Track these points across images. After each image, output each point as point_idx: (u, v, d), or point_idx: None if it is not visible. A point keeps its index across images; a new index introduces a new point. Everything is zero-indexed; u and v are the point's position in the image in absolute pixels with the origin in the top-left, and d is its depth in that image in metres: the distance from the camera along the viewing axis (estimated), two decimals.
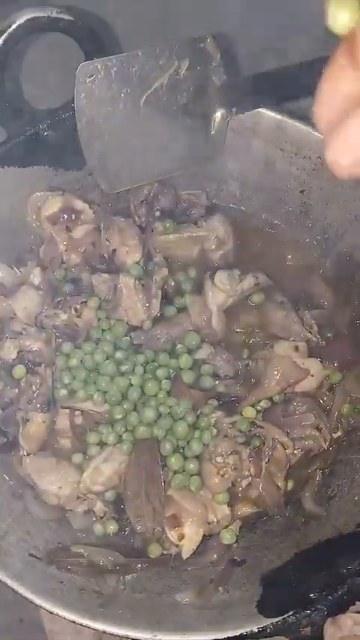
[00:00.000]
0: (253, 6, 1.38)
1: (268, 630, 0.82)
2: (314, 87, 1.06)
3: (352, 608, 0.82)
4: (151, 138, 1.01)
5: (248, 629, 0.82)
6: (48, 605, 0.83)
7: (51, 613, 0.83)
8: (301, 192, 1.10)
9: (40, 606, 0.83)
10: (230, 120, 1.04)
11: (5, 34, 0.93)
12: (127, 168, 1.04)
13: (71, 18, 0.95)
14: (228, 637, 0.82)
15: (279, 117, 1.07)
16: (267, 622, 0.82)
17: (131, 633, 0.83)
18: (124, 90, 0.95)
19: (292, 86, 0.96)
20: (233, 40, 1.26)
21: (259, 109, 1.05)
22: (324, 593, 0.83)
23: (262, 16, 1.40)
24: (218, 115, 1.03)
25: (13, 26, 0.93)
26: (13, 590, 0.84)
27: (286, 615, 0.82)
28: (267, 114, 1.07)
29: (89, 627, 0.82)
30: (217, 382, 1.03)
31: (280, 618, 0.82)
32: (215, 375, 1.03)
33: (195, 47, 0.99)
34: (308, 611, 0.83)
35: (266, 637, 0.82)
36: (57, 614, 0.82)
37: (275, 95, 1.03)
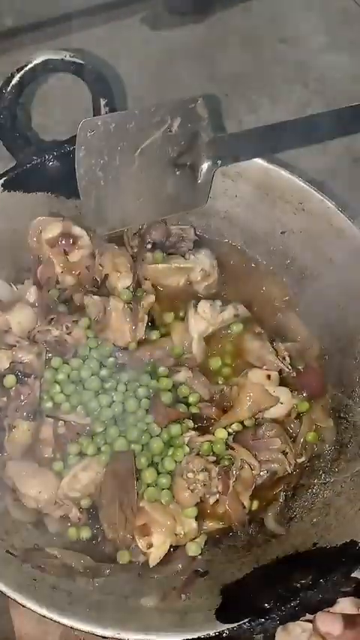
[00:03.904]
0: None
1: (224, 635, 0.88)
2: (290, 145, 1.16)
3: (302, 619, 0.88)
4: (144, 186, 1.11)
5: (205, 633, 0.88)
6: (20, 599, 0.88)
7: (23, 606, 0.88)
8: (282, 233, 1.19)
9: (13, 599, 0.89)
10: (215, 171, 1.14)
11: (21, 72, 1.02)
12: (120, 213, 1.13)
13: (82, 62, 1.04)
14: (186, 639, 0.88)
15: (266, 164, 1.16)
16: (223, 627, 0.88)
17: (96, 630, 0.88)
18: (120, 143, 1.05)
19: (269, 143, 1.07)
20: (221, 101, 1.36)
21: None
22: (278, 604, 0.89)
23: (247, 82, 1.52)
24: (205, 166, 1.13)
25: (29, 65, 1.02)
26: None
27: (241, 622, 0.88)
28: (256, 161, 1.16)
29: (57, 622, 0.88)
30: (192, 404, 1.10)
31: (236, 625, 0.88)
32: (191, 397, 1.10)
33: (186, 107, 1.09)
34: (262, 620, 0.89)
35: None
36: (28, 608, 0.88)
37: (255, 150, 1.14)
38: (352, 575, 0.92)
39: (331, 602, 0.88)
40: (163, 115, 1.06)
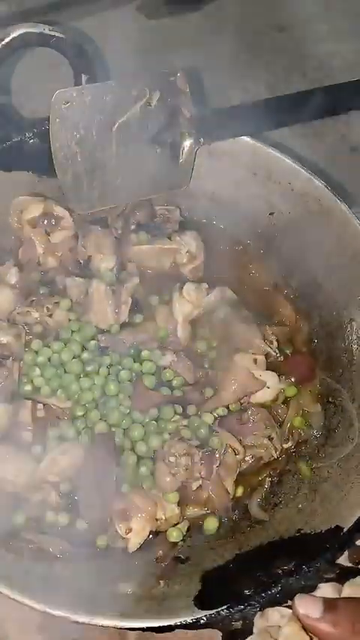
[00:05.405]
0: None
1: (201, 622, 0.85)
2: (276, 123, 1.12)
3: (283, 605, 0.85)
4: (123, 163, 1.07)
5: (182, 619, 0.85)
6: None
7: None
8: (271, 214, 1.16)
9: None
10: (197, 150, 1.11)
11: None
12: (98, 191, 1.10)
13: (62, 35, 1.02)
14: (162, 625, 0.85)
15: (255, 143, 1.13)
16: (201, 614, 0.85)
17: (70, 616, 0.85)
18: (97, 117, 1.02)
19: (256, 120, 1.04)
20: (203, 75, 1.34)
21: None
22: (258, 591, 0.86)
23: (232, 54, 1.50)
24: (187, 144, 1.09)
25: (6, 39, 1.00)
26: None
27: (219, 609, 0.86)
28: (244, 140, 1.13)
29: (30, 607, 0.85)
30: (176, 387, 1.07)
31: (214, 611, 0.85)
32: (176, 381, 1.08)
33: (166, 80, 1.05)
34: (242, 607, 0.86)
35: (199, 628, 0.86)
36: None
37: (240, 128, 1.10)
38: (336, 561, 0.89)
39: (313, 589, 0.85)
40: (141, 87, 1.02)
